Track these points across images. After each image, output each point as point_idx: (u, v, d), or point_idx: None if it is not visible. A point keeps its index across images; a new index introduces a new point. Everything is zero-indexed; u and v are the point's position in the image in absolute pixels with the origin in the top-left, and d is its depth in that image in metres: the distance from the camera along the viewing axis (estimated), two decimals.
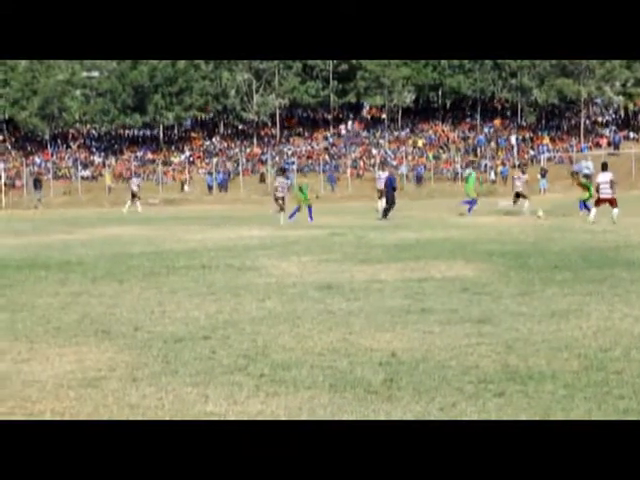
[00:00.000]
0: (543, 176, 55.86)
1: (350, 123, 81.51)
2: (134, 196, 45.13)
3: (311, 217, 30.68)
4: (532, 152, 69.64)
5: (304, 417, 6.07)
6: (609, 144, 69.36)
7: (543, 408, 6.15)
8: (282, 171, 34.42)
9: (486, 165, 66.96)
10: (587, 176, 35.70)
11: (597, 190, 26.79)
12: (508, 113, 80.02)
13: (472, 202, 33.43)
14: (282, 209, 29.58)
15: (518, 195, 32.62)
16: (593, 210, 26.45)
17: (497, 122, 77.86)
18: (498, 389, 6.71)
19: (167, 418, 6.09)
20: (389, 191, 30.73)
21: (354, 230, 24.57)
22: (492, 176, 64.65)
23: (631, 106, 77.65)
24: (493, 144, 72.54)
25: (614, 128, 73.84)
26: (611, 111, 79.28)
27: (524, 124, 76.69)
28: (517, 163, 63.42)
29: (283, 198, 29.94)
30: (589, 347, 8.10)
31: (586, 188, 30.12)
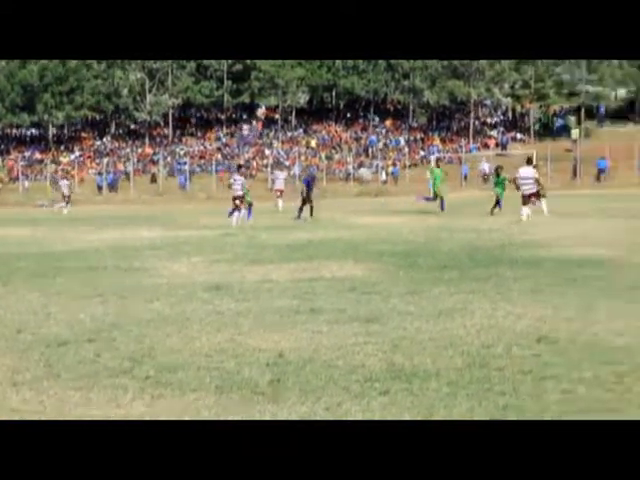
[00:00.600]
0: None
1: (254, 122, 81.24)
2: (64, 197, 45.06)
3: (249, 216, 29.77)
4: (423, 152, 70.56)
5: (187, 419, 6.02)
6: (497, 145, 70.85)
7: (426, 406, 6.23)
8: (238, 168, 32.30)
9: (377, 165, 67.57)
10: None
11: (517, 187, 26.03)
12: (400, 114, 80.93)
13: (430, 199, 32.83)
14: (238, 208, 28.20)
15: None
16: (525, 209, 25.33)
17: (389, 123, 78.71)
18: (383, 388, 6.76)
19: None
20: (307, 190, 30.44)
21: (246, 230, 24.51)
22: (383, 176, 65.29)
23: (519, 108, 79.48)
24: (384, 144, 73.26)
25: (502, 129, 75.45)
26: (499, 112, 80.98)
27: (415, 125, 77.69)
28: (408, 163, 64.26)
29: (241, 197, 28.62)
30: (472, 344, 8.24)
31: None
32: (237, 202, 28.01)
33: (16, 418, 6.11)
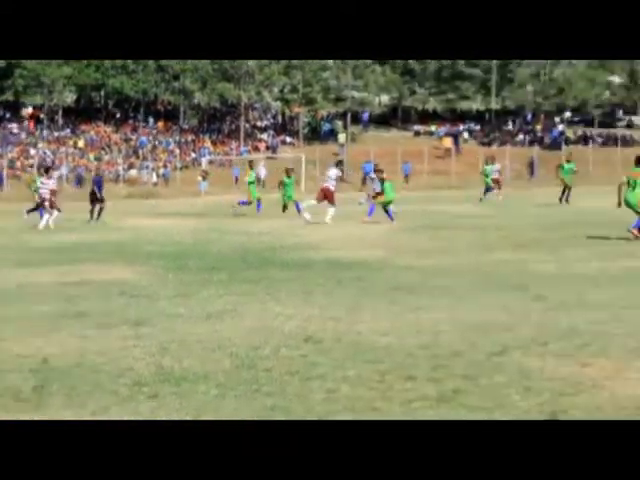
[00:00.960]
0: (204, 178, 56.83)
1: (25, 122, 78.07)
2: None
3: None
4: (194, 155, 70.38)
5: None
6: (267, 148, 71.67)
7: (195, 408, 6.22)
8: (46, 171, 29.92)
9: (148, 167, 66.81)
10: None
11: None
12: (171, 115, 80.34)
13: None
14: (48, 211, 26.45)
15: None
16: (312, 202, 26.40)
17: (160, 124, 77.97)
18: (152, 391, 6.71)
19: None
20: (97, 191, 29.42)
21: (7, 231, 23.63)
22: (154, 178, 64.64)
23: (287, 111, 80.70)
24: (154, 146, 72.53)
25: (272, 133, 76.33)
26: (269, 116, 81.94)
27: (186, 126, 77.37)
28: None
29: (50, 200, 26.72)
30: (241, 346, 8.30)
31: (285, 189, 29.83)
32: (46, 204, 26.74)
33: None
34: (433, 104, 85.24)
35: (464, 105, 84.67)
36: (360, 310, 10.22)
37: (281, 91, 78.69)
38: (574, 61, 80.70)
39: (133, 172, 65.75)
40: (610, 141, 73.95)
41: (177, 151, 69.93)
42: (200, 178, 57.09)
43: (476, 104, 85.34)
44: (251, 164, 34.83)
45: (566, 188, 33.99)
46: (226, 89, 74.03)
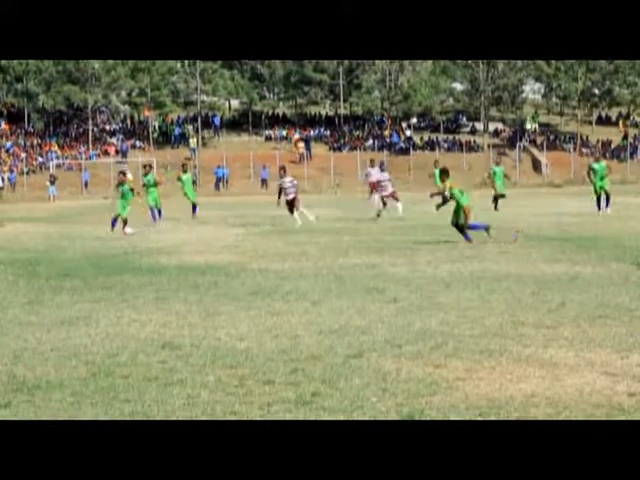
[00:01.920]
0: (52, 183, 55.65)
1: None
2: None
3: None
4: (41, 159, 68.69)
5: None
6: (117, 152, 70.57)
7: (50, 416, 6.11)
8: None
9: None
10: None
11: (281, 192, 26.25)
12: (16, 118, 78.14)
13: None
14: None
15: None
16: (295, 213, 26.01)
17: (5, 127, 75.76)
18: (4, 400, 6.57)
19: None
20: None
21: None
22: (0, 183, 62.79)
23: (137, 115, 79.65)
24: None
25: (121, 137, 75.14)
26: (118, 120, 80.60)
27: (32, 130, 75.39)
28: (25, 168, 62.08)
29: None
30: (97, 353, 8.19)
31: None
32: None
33: None
34: (283, 109, 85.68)
35: (313, 110, 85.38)
36: (218, 315, 10.20)
37: (129, 94, 77.63)
38: (418, 67, 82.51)
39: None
40: (455, 147, 75.94)
41: (23, 155, 68.12)
42: (48, 183, 55.85)
43: (325, 109, 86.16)
44: (185, 167, 32.16)
45: (498, 195, 31.46)
46: (72, 92, 72.55)
